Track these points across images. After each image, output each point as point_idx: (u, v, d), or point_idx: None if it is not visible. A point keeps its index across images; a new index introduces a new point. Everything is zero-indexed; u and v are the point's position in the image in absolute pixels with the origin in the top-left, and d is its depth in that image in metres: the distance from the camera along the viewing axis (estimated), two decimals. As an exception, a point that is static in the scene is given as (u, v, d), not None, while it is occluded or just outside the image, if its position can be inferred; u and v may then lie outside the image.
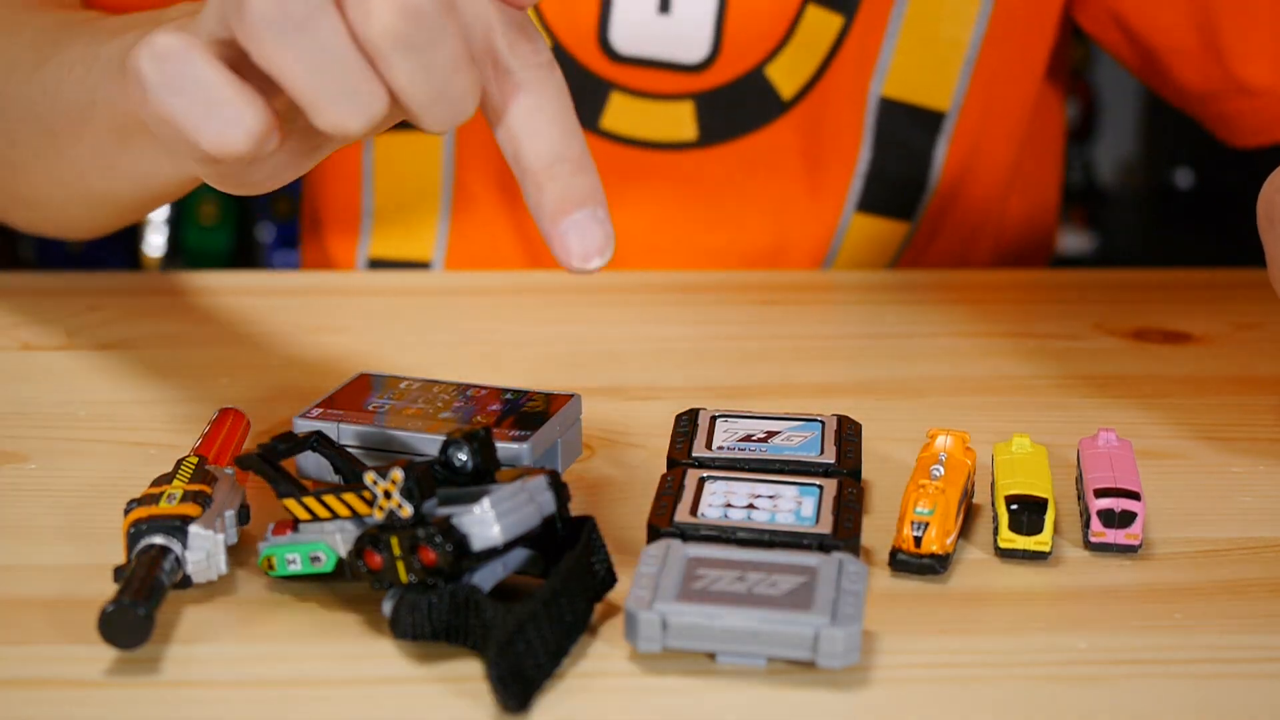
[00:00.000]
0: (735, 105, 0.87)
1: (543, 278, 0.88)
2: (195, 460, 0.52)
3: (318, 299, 0.82)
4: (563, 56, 0.86)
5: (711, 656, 0.46)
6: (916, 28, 0.85)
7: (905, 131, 0.88)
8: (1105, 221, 2.75)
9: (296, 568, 0.49)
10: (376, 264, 0.93)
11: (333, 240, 0.95)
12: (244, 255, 2.52)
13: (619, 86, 0.86)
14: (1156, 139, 2.73)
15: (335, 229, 0.95)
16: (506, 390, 0.58)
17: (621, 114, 0.87)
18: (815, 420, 0.58)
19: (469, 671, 0.46)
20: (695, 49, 0.86)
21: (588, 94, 0.87)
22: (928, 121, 0.88)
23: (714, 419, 0.58)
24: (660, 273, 0.86)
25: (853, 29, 0.85)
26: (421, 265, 0.93)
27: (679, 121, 0.87)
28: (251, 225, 2.57)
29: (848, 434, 0.57)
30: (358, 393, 0.58)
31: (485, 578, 0.47)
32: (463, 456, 0.48)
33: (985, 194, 0.92)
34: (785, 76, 0.86)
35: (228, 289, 0.82)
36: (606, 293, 0.83)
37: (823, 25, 0.85)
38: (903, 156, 0.88)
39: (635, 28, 0.86)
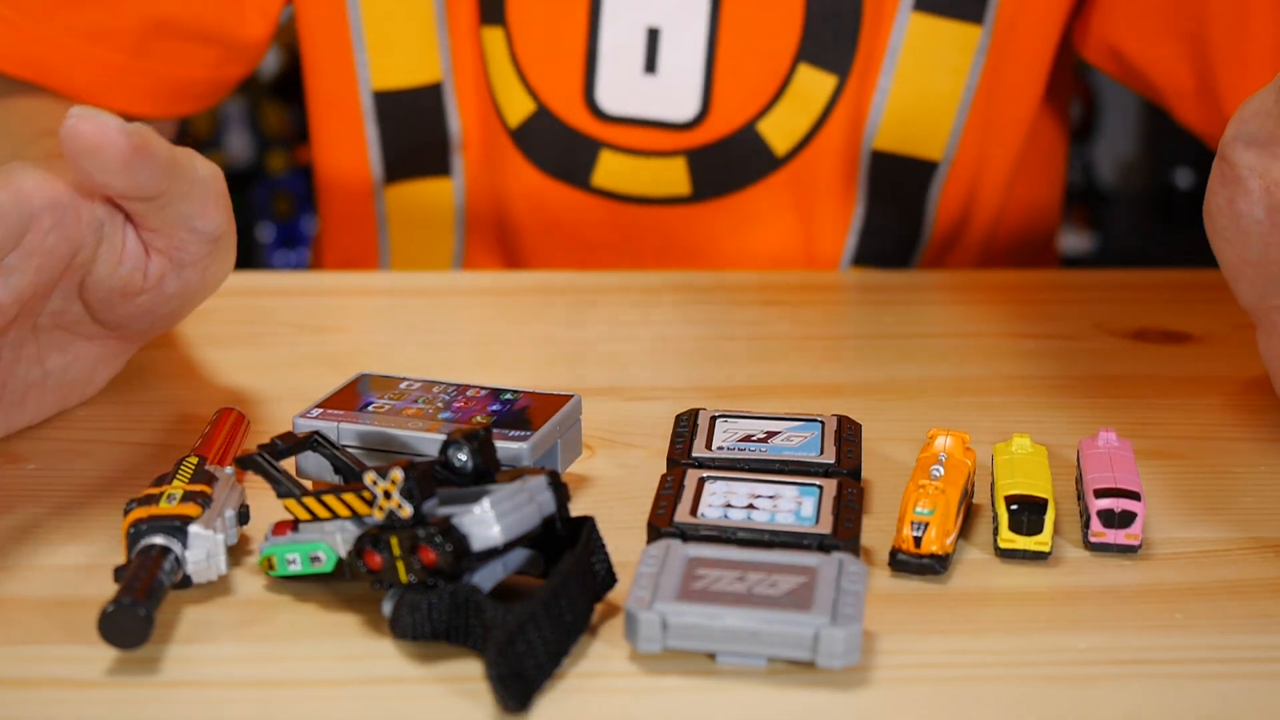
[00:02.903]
0: (728, 161, 0.86)
1: (543, 278, 0.88)
2: (195, 460, 0.52)
3: (318, 299, 0.82)
4: (549, 118, 0.86)
5: (711, 656, 0.46)
6: (909, 81, 0.84)
7: (899, 183, 0.87)
8: (1105, 221, 2.76)
9: (296, 568, 0.49)
10: None
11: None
12: (244, 255, 2.53)
13: (608, 145, 0.86)
14: (1156, 139, 2.74)
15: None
16: (506, 390, 0.58)
17: (612, 172, 0.86)
18: (815, 420, 0.58)
19: (469, 671, 0.46)
20: (684, 107, 0.85)
21: (577, 153, 0.86)
22: (921, 172, 0.87)
23: (714, 419, 0.58)
24: (660, 273, 0.86)
25: (846, 87, 0.84)
26: None
27: (671, 177, 0.87)
28: (251, 225, 2.57)
29: (848, 434, 0.57)
30: (358, 393, 0.58)
31: (485, 578, 0.47)
32: (463, 456, 0.48)
33: (983, 232, 0.92)
34: (778, 133, 0.85)
35: (228, 289, 0.82)
36: (606, 293, 0.83)
37: (816, 85, 0.84)
38: (897, 208, 0.88)
39: (622, 88, 0.85)
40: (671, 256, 0.89)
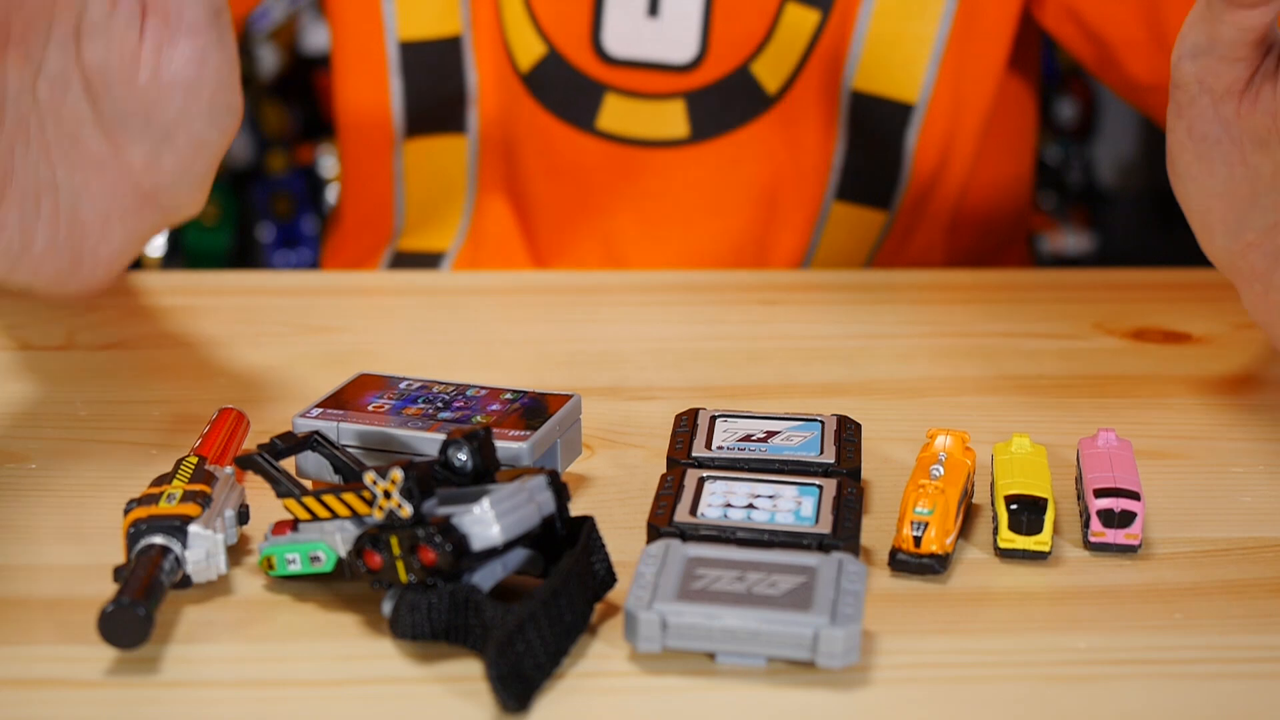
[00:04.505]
0: (724, 102, 0.89)
1: (543, 278, 0.88)
2: (195, 460, 0.52)
3: (318, 299, 0.82)
4: (558, 61, 0.88)
5: (711, 656, 0.46)
6: (884, 23, 0.87)
7: (876, 122, 0.90)
8: (1105, 221, 2.75)
9: (296, 568, 0.49)
10: (400, 255, 0.96)
11: (361, 239, 0.98)
12: (244, 255, 2.52)
13: (613, 88, 0.88)
14: (1156, 139, 2.73)
15: (365, 230, 0.97)
16: (506, 390, 0.58)
17: (616, 114, 0.89)
18: (815, 420, 0.58)
19: (469, 671, 0.46)
20: (684, 49, 0.88)
21: (584, 96, 0.89)
22: (897, 113, 0.89)
23: (714, 419, 0.58)
24: (660, 273, 0.87)
25: (828, 24, 0.87)
26: (438, 255, 0.94)
27: (671, 120, 0.89)
28: (251, 225, 2.57)
29: (848, 434, 0.57)
30: (358, 393, 0.58)
31: (485, 578, 0.47)
32: (463, 456, 0.48)
33: (963, 186, 0.93)
34: (769, 73, 0.88)
35: (228, 289, 0.82)
36: (606, 293, 0.83)
37: (801, 21, 0.87)
38: (875, 147, 0.90)
39: (626, 30, 0.88)
40: (671, 197, 0.91)
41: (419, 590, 0.46)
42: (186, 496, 0.50)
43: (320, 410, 0.56)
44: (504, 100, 0.91)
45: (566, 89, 0.89)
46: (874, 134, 0.90)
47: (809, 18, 0.87)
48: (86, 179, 0.58)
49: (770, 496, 0.52)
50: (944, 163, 0.91)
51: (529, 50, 0.89)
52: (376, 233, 0.98)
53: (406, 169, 0.94)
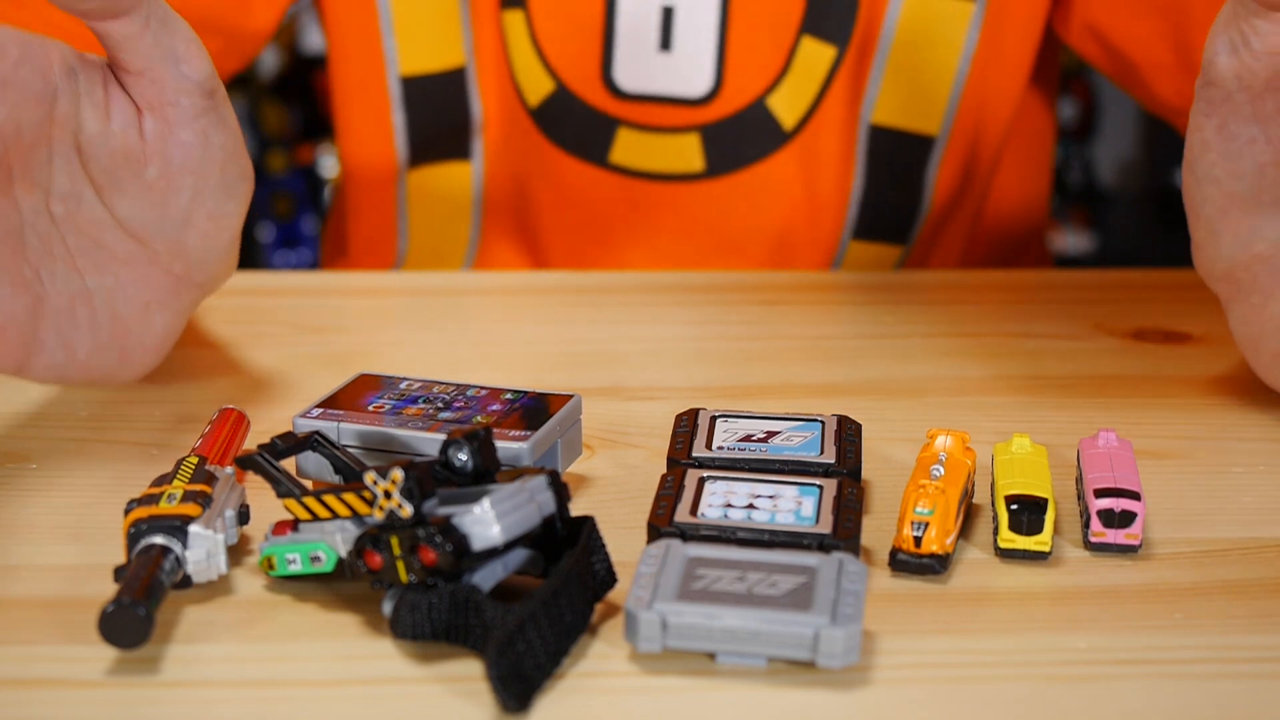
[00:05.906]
0: (740, 136, 0.88)
1: (543, 278, 0.88)
2: (195, 460, 0.52)
3: (318, 299, 0.82)
4: (568, 97, 0.87)
5: (711, 656, 0.46)
6: (904, 56, 0.86)
7: (896, 157, 0.88)
8: (1105, 221, 2.76)
9: (296, 568, 0.49)
10: None
11: (365, 268, 0.98)
12: (244, 255, 2.53)
13: (626, 122, 0.87)
14: (1156, 139, 2.74)
15: (368, 260, 0.97)
16: (506, 390, 0.58)
17: (630, 149, 0.88)
18: (815, 420, 0.58)
19: (469, 671, 0.46)
20: (698, 83, 0.87)
21: (595, 131, 0.88)
22: (918, 146, 0.88)
23: (714, 419, 0.58)
24: (660, 273, 0.87)
25: (845, 59, 0.86)
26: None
27: (686, 154, 0.88)
28: (252, 225, 2.58)
29: (848, 434, 0.57)
30: (358, 393, 0.58)
31: (485, 578, 0.47)
32: (463, 456, 0.48)
33: (977, 211, 0.93)
34: (786, 107, 0.87)
35: (228, 289, 0.82)
36: (606, 293, 0.83)
37: (817, 56, 0.86)
38: (895, 182, 0.89)
39: (638, 65, 0.87)
40: (685, 232, 0.90)
41: (419, 590, 0.46)
42: (187, 496, 0.50)
43: (320, 410, 0.56)
44: (511, 132, 0.90)
45: (577, 124, 0.88)
46: (893, 169, 0.89)
47: (825, 53, 0.86)
48: (117, 277, 0.58)
49: (770, 497, 0.52)
50: (963, 190, 0.91)
51: (537, 86, 0.88)
52: (380, 263, 0.97)
53: (410, 195, 0.94)
